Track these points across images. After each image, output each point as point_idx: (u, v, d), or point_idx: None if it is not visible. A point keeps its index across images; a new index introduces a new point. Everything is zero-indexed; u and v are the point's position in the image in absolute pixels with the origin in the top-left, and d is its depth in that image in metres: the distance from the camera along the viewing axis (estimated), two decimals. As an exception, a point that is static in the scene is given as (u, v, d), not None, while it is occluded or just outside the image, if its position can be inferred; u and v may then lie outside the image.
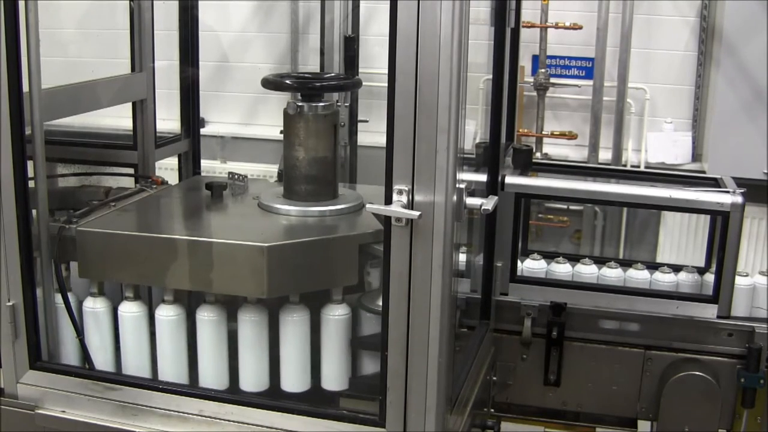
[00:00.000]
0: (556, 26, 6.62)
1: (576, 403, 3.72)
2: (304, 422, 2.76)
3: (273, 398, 2.97)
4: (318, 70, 5.64)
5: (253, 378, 3.04)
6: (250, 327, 2.99)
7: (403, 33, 2.33)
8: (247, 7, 7.25)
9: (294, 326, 2.97)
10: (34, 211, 2.98)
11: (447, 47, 2.31)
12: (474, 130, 4.79)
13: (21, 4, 2.77)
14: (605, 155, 6.73)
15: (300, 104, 3.15)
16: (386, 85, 2.38)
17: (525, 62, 6.81)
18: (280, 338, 3.01)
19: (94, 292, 3.08)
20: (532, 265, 3.82)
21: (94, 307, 3.07)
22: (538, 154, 6.63)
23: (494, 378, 3.67)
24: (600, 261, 3.86)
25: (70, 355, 3.13)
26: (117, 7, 4.25)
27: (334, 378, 3.05)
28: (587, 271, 3.79)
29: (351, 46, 5.44)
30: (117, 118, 4.24)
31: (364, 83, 3.57)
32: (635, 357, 3.60)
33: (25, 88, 2.85)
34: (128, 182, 3.82)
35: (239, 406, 2.85)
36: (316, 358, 3.06)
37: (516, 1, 3.70)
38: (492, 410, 3.70)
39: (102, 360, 3.11)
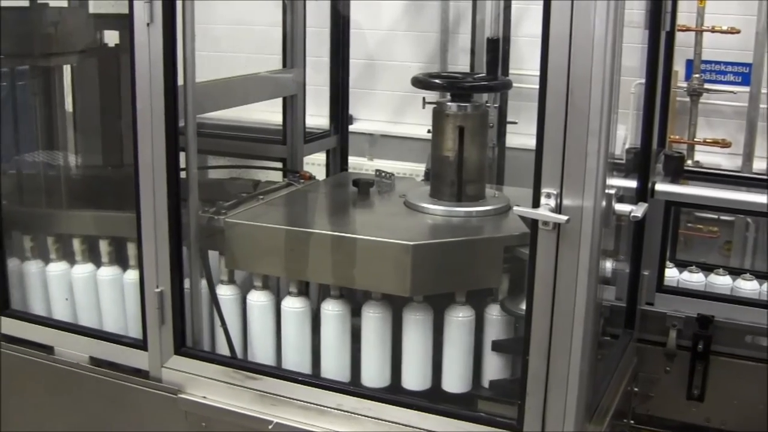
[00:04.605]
0: (713, 30, 6.43)
1: (720, 420, 3.61)
2: (440, 422, 2.76)
3: (432, 399, 2.96)
4: (468, 70, 5.63)
5: (414, 376, 3.06)
6: (414, 325, 3.00)
7: (556, 34, 2.31)
8: (397, 6, 7.27)
9: (459, 326, 2.98)
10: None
11: (600, 49, 2.28)
12: (624, 135, 4.69)
13: (178, 3, 2.85)
14: (760, 165, 6.51)
15: (449, 104, 3.15)
16: (536, 86, 2.36)
17: (679, 67, 6.64)
18: (444, 337, 3.01)
19: (257, 285, 3.14)
20: (689, 278, 3.74)
21: (259, 300, 3.14)
22: (689, 162, 6.47)
23: (635, 389, 3.61)
24: (761, 277, 3.72)
25: (214, 343, 3.21)
26: (269, 5, 4.33)
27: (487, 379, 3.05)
28: (747, 287, 3.67)
29: (499, 46, 5.42)
30: (267, 113, 4.31)
31: (513, 84, 3.54)
32: (786, 376, 3.48)
33: (180, 81, 2.93)
34: (276, 176, 3.88)
35: (378, 403, 2.86)
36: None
37: (672, 4, 3.62)
38: (632, 421, 3.63)
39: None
